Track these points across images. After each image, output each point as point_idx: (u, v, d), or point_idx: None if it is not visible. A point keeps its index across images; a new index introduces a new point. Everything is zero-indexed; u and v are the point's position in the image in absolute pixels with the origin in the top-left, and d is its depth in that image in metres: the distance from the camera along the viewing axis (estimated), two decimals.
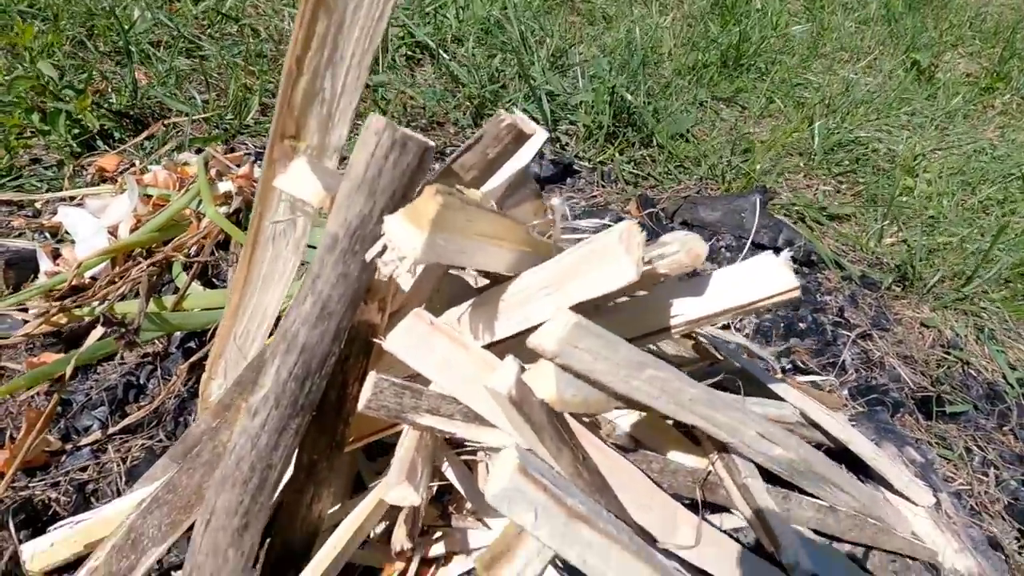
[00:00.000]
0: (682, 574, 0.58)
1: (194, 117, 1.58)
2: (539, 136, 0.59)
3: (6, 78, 1.42)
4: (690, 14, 3.25)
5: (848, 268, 1.46)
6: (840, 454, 0.91)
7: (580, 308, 0.53)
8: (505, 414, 0.51)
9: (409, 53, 2.03)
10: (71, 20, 1.92)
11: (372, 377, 0.56)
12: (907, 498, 0.92)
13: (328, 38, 0.48)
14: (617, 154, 1.67)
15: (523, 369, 0.49)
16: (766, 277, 0.56)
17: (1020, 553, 0.97)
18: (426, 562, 0.76)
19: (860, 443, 0.88)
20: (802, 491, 0.75)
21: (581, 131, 1.71)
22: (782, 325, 1.23)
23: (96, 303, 1.01)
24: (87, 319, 1.02)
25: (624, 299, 0.64)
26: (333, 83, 0.50)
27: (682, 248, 0.53)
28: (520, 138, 0.58)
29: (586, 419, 0.66)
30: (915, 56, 3.22)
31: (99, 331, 0.96)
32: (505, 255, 0.51)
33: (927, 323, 1.32)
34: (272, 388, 0.51)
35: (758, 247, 1.43)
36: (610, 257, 0.48)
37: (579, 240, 0.55)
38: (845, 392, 1.13)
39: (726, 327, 1.17)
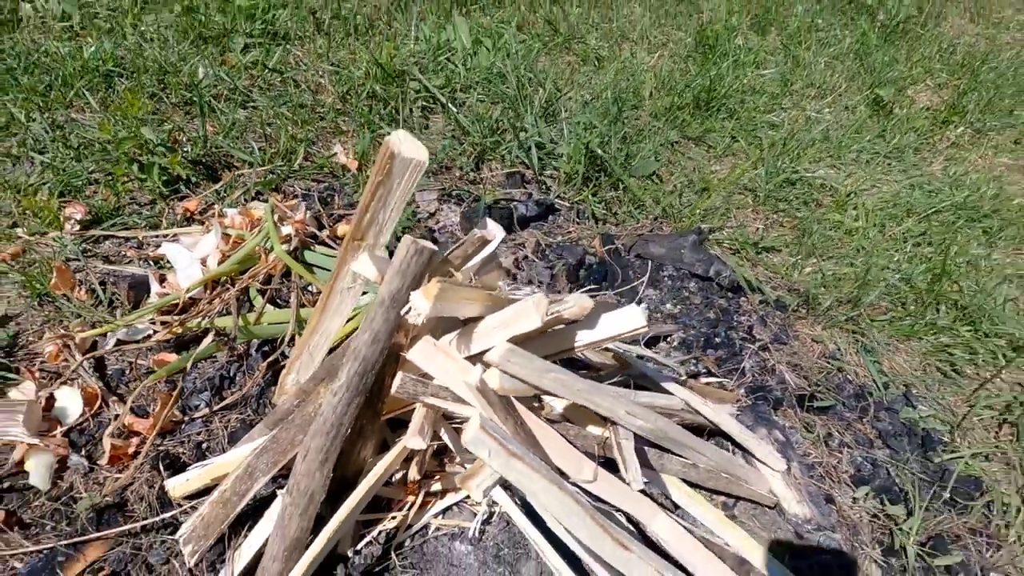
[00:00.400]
0: (580, 495, 0.98)
1: (254, 167, 2.00)
2: (497, 238, 0.99)
3: (113, 137, 1.85)
4: (676, 52, 3.63)
5: (766, 293, 1.86)
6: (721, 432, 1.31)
7: (524, 337, 0.94)
8: (474, 397, 0.92)
9: (424, 104, 2.44)
10: (147, 74, 2.35)
11: (400, 375, 0.97)
12: (766, 464, 1.33)
13: (383, 196, 0.89)
14: (591, 195, 2.07)
15: (484, 371, 0.90)
16: (630, 320, 0.96)
17: (851, 507, 1.37)
18: (429, 495, 1.17)
19: (729, 424, 1.28)
20: (674, 453, 1.15)
21: (562, 176, 2.11)
22: (702, 339, 1.63)
23: (202, 319, 1.43)
24: (195, 330, 1.44)
25: (557, 327, 1.04)
26: (383, 215, 0.91)
27: (575, 304, 0.93)
28: (486, 241, 0.98)
29: (531, 403, 1.06)
30: (879, 91, 3.58)
31: (209, 338, 1.38)
32: (476, 308, 0.92)
33: (817, 339, 1.72)
34: (345, 380, 0.92)
35: (695, 276, 1.83)
36: (528, 313, 0.88)
37: (522, 297, 0.95)
38: (742, 391, 1.53)
39: (653, 342, 1.58)
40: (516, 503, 1.08)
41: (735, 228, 2.15)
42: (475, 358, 0.95)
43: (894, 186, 2.77)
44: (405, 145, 0.84)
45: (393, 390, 0.97)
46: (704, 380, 1.50)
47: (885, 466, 1.46)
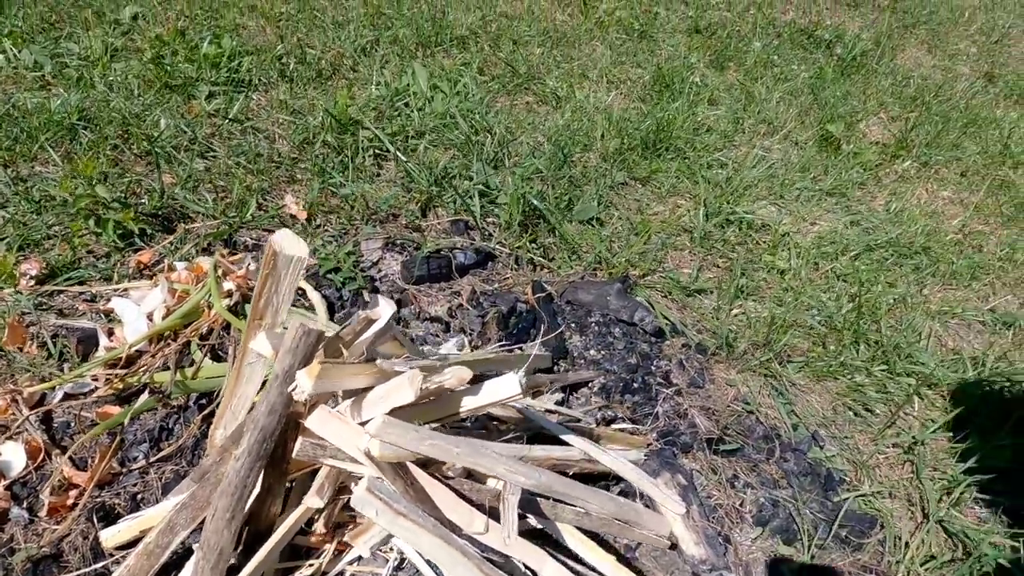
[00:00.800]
0: (469, 547, 1.08)
1: (206, 218, 2.10)
2: (385, 315, 1.09)
3: (71, 194, 1.95)
4: (632, 91, 3.77)
5: (689, 337, 1.97)
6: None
7: (409, 406, 1.04)
8: (365, 461, 1.02)
9: (377, 151, 2.55)
10: (111, 125, 2.45)
11: (300, 439, 1.07)
12: (665, 507, 1.42)
13: (273, 284, 0.99)
14: (528, 242, 2.18)
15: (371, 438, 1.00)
16: (508, 388, 1.07)
17: (748, 547, 1.47)
18: (343, 543, 1.27)
19: (627, 471, 1.38)
20: (567, 503, 1.25)
21: (503, 223, 2.23)
22: (621, 385, 1.74)
23: (142, 373, 1.53)
24: (137, 384, 1.53)
25: (448, 393, 1.15)
26: (276, 300, 1.02)
27: (453, 376, 1.03)
28: (371, 321, 1.09)
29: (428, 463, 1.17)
30: (829, 127, 3.72)
31: (146, 395, 1.47)
32: (363, 380, 1.02)
33: (731, 382, 1.83)
34: (246, 447, 1.02)
35: (620, 322, 1.93)
36: (403, 387, 0.98)
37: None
38: (653, 435, 1.63)
39: (575, 389, 1.68)
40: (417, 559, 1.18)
41: (669, 271, 2.26)
42: (366, 424, 1.06)
43: (833, 223, 2.90)
44: (287, 243, 0.95)
45: (294, 453, 1.06)
46: (617, 427, 1.60)
47: (786, 506, 1.57)
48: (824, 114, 3.89)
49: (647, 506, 1.41)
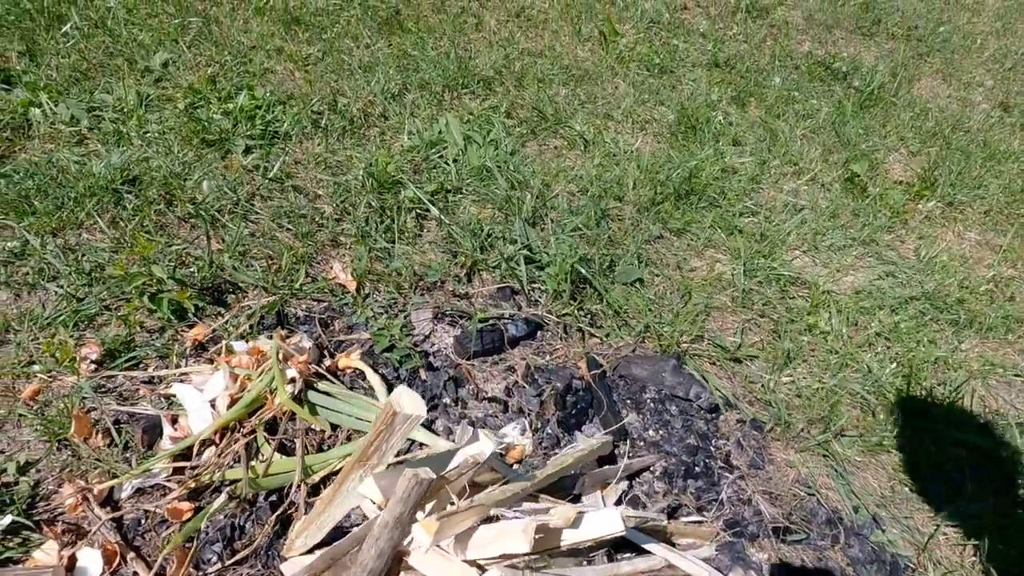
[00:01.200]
0: None
1: (256, 290, 2.11)
2: (487, 452, 1.09)
3: (125, 272, 1.95)
4: (658, 132, 3.79)
5: (743, 411, 1.97)
6: None
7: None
8: None
9: (418, 211, 2.56)
10: (152, 186, 2.46)
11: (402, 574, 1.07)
12: None
13: (386, 437, 1.00)
14: (576, 310, 2.19)
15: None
16: (609, 525, 1.07)
17: None
18: None
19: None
20: None
21: (550, 291, 2.23)
22: (683, 469, 1.74)
23: (214, 469, 1.53)
24: (208, 482, 1.53)
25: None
26: (385, 447, 1.02)
27: (559, 516, 1.04)
28: (476, 462, 1.09)
29: None
30: (853, 167, 3.74)
31: (224, 496, 1.47)
32: (471, 520, 1.03)
33: (791, 463, 1.83)
34: None
35: (675, 398, 1.94)
36: (518, 537, 0.99)
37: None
38: (720, 524, 1.64)
39: (636, 475, 1.69)
40: None
41: (713, 335, 2.27)
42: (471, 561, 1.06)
43: (867, 273, 2.91)
44: (406, 401, 0.95)
45: None
46: (685, 520, 1.60)
47: None
48: (848, 153, 3.91)
49: None
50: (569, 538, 1.08)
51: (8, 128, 2.69)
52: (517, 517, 1.02)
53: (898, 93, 4.84)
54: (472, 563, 1.05)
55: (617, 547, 1.40)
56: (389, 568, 1.06)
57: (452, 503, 1.00)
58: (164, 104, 3.06)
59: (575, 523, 1.08)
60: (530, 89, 3.87)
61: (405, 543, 1.00)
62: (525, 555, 1.12)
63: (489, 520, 1.05)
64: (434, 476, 0.99)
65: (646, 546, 1.34)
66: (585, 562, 1.28)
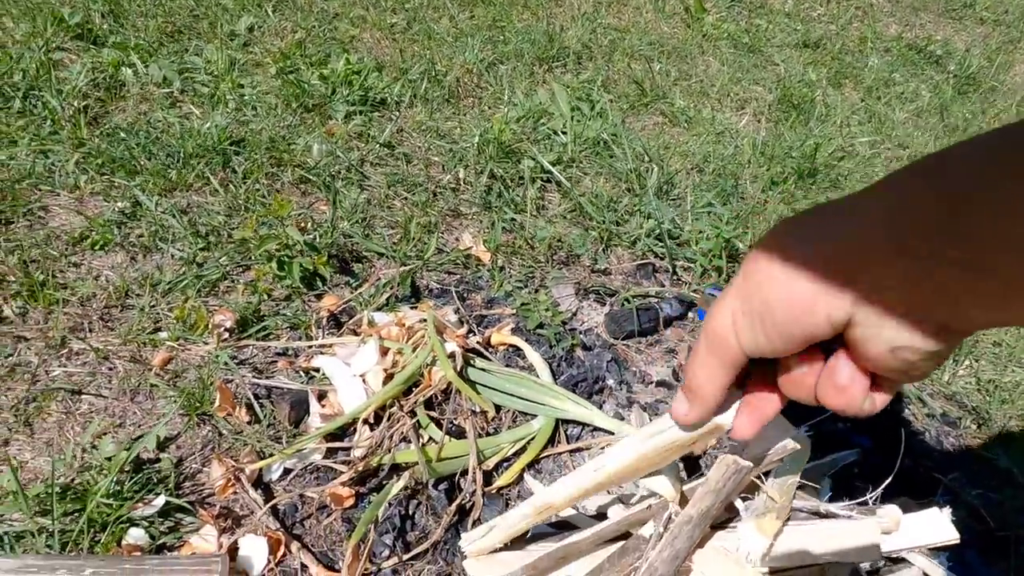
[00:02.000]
0: None
1: (386, 258, 1.94)
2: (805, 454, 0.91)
3: (256, 234, 1.79)
4: (760, 111, 3.57)
5: (930, 405, 1.77)
6: None
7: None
8: None
9: (541, 181, 2.38)
10: (261, 151, 2.30)
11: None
12: None
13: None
14: None
15: None
16: (942, 531, 0.89)
17: None
18: None
19: None
20: None
21: (698, 269, 2.04)
22: (880, 465, 1.55)
23: (385, 452, 1.36)
24: (375, 466, 1.37)
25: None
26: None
27: (890, 519, 0.86)
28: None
29: None
30: None
31: (403, 480, 1.30)
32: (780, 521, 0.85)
33: (998, 462, 1.63)
34: None
35: None
36: (870, 539, 0.81)
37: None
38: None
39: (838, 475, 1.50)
40: None
41: None
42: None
43: None
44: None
45: None
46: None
47: None
48: (958, 137, 3.68)
49: None
50: (886, 546, 0.90)
51: (100, 88, 2.54)
52: (810, 517, 0.84)
53: (996, 78, 4.58)
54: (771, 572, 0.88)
55: None
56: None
57: (772, 499, 0.81)
58: (254, 69, 2.90)
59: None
60: (620, 64, 3.68)
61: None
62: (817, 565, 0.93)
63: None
64: (752, 465, 0.81)
65: (907, 555, 1.15)
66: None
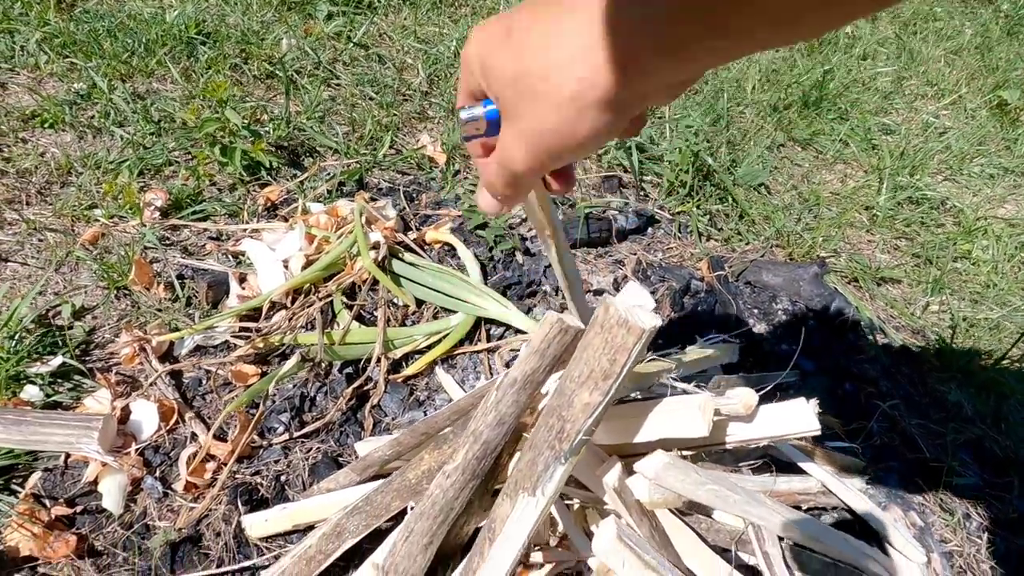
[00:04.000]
0: None
1: (338, 155, 1.88)
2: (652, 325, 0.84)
3: (197, 117, 1.75)
4: None
5: (890, 336, 1.66)
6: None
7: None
8: (611, 498, 0.79)
9: None
10: (229, 42, 2.23)
11: (517, 456, 0.84)
12: (904, 555, 1.17)
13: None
14: (695, 208, 1.89)
15: (622, 472, 0.76)
16: (802, 421, 0.81)
17: None
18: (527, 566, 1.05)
19: (867, 510, 1.12)
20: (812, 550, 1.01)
21: (665, 184, 1.93)
22: (826, 393, 1.46)
23: (286, 332, 1.33)
24: (275, 345, 1.34)
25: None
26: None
27: (739, 402, 0.78)
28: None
29: None
30: (1002, 94, 3.24)
31: (295, 359, 1.27)
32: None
33: (952, 396, 1.53)
34: (462, 462, 0.80)
35: (811, 312, 1.65)
36: (694, 419, 0.74)
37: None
38: (868, 455, 1.36)
39: (772, 395, 1.41)
40: None
41: (852, 253, 1.95)
42: (608, 448, 0.82)
43: (1019, 206, 2.50)
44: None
45: (510, 471, 0.84)
46: (830, 444, 1.33)
47: None
48: (997, 79, 3.40)
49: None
50: (739, 434, 0.83)
51: None
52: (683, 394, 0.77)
53: None
54: (608, 449, 0.82)
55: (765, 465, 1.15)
56: (505, 447, 0.83)
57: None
58: None
59: (749, 417, 0.83)
60: None
61: (534, 399, 0.77)
62: (688, 448, 0.87)
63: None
64: (582, 326, 0.75)
65: (804, 465, 1.08)
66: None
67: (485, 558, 0.76)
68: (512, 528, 0.74)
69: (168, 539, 1.09)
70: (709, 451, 0.93)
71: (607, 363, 0.68)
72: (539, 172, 0.46)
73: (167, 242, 1.60)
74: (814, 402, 0.82)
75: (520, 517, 0.75)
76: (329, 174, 1.80)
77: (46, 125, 1.83)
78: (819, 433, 0.82)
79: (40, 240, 1.57)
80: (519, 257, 1.66)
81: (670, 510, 0.90)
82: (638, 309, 0.69)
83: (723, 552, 0.93)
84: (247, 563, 1.07)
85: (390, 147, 1.96)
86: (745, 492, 0.81)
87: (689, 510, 0.94)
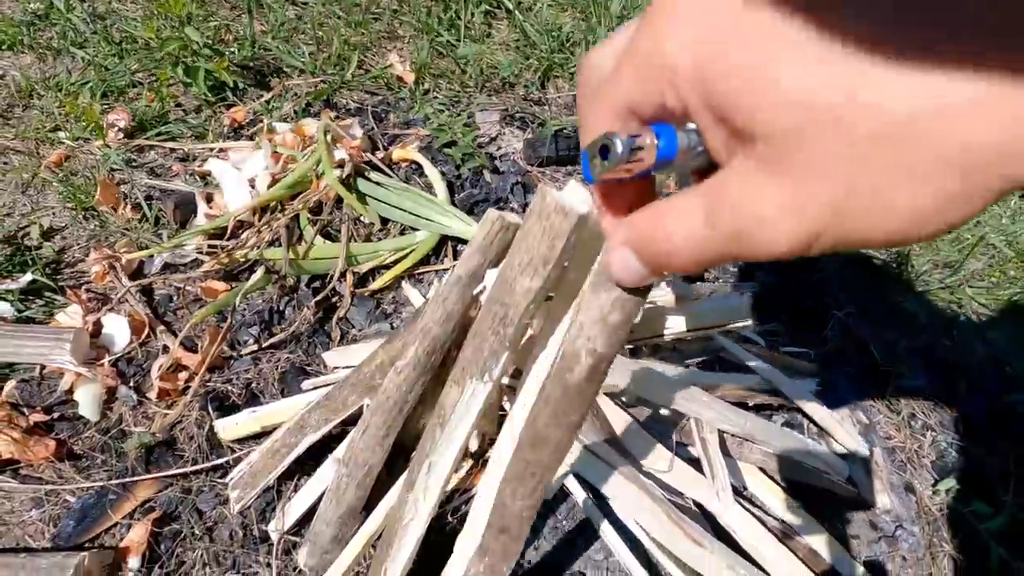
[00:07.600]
0: (654, 487, 0.91)
1: (304, 74, 1.85)
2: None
3: (157, 36, 1.71)
4: None
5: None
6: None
7: None
8: None
9: (488, 8, 2.22)
10: None
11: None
12: (847, 448, 1.23)
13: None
14: None
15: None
16: (731, 312, 0.85)
17: (931, 497, 1.28)
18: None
19: (811, 406, 1.18)
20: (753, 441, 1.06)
21: None
22: (780, 300, 1.50)
23: (251, 248, 1.35)
24: (242, 260, 1.36)
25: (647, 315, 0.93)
26: None
27: (668, 294, 0.82)
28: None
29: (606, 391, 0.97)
30: None
31: (259, 273, 1.30)
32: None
33: (906, 305, 1.57)
34: (412, 359, 0.83)
35: None
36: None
37: None
38: (821, 361, 1.41)
39: None
40: (587, 493, 1.01)
41: None
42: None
43: None
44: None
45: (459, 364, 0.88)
46: (784, 350, 1.38)
47: (972, 455, 1.36)
48: None
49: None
50: (676, 326, 0.87)
51: None
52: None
53: None
54: None
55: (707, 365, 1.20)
56: (457, 338, 0.87)
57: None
58: None
59: (686, 308, 0.86)
60: None
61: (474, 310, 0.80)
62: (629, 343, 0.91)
63: None
64: (520, 222, 0.77)
65: (751, 364, 1.13)
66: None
67: (436, 440, 0.80)
68: (460, 411, 0.78)
69: (143, 442, 1.13)
70: (651, 346, 0.97)
71: (546, 249, 0.70)
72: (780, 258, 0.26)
73: (134, 164, 1.60)
74: (747, 295, 0.86)
75: (468, 400, 0.78)
76: (295, 94, 1.78)
77: (4, 47, 1.79)
78: (752, 327, 0.86)
79: (5, 163, 1.56)
80: (487, 175, 1.66)
81: (617, 402, 0.95)
82: (575, 198, 0.71)
83: (665, 442, 0.98)
84: (219, 460, 1.12)
85: (358, 67, 1.93)
86: (686, 390, 0.86)
87: (635, 401, 0.98)
